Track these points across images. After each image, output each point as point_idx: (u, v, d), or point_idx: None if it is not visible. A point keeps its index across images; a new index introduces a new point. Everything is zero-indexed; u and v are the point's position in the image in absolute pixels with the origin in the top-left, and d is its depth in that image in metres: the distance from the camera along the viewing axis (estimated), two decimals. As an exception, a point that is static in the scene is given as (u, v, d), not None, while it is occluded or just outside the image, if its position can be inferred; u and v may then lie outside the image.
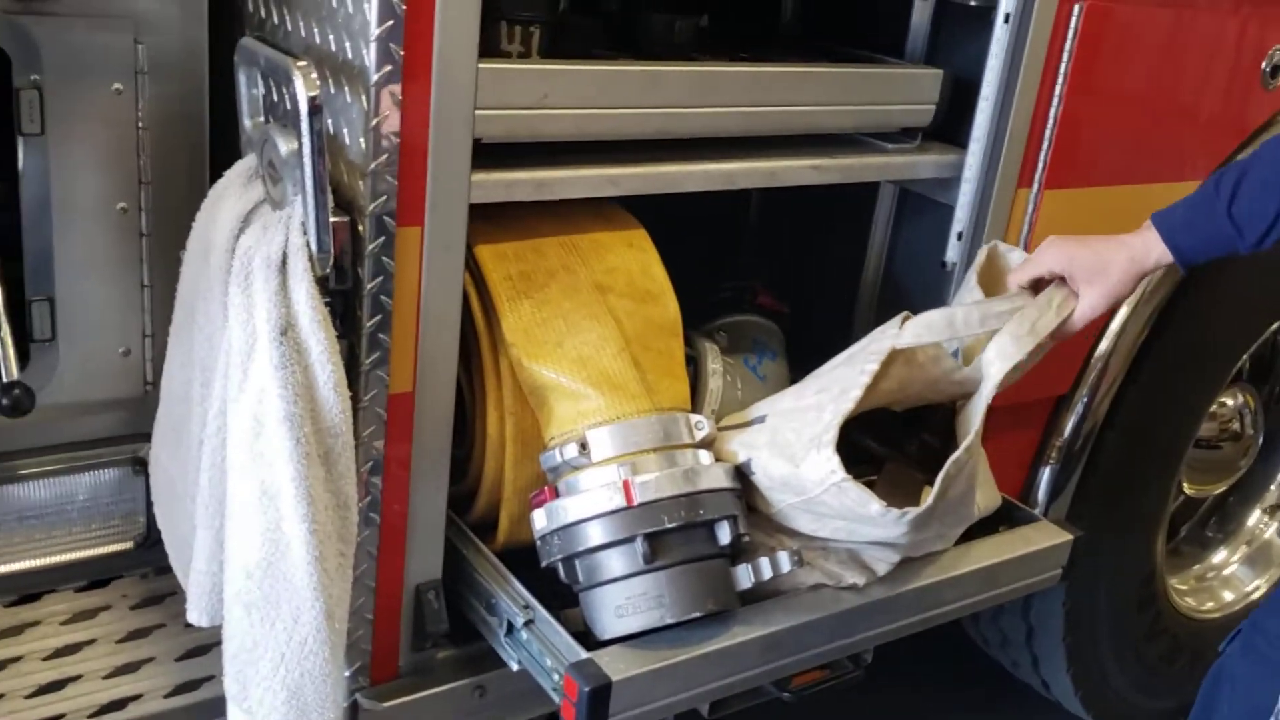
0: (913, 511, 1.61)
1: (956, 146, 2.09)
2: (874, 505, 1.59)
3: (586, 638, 1.61)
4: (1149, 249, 1.71)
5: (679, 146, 1.83)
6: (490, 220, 1.71)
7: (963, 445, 1.65)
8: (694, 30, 2.04)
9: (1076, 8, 2.00)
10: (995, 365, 1.73)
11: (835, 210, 2.33)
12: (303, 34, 1.60)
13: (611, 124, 1.74)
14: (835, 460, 1.58)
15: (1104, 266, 1.72)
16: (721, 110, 1.82)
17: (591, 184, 1.74)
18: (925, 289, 2.17)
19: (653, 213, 1.92)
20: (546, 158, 1.70)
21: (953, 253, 2.10)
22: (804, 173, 1.92)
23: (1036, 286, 1.80)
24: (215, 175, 1.72)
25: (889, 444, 2.02)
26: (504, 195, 1.65)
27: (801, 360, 2.10)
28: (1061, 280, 1.77)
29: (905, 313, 1.79)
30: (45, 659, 1.77)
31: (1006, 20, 1.97)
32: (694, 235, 2.14)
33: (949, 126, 2.08)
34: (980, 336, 1.85)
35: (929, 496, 1.63)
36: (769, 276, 2.46)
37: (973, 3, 2.01)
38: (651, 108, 1.76)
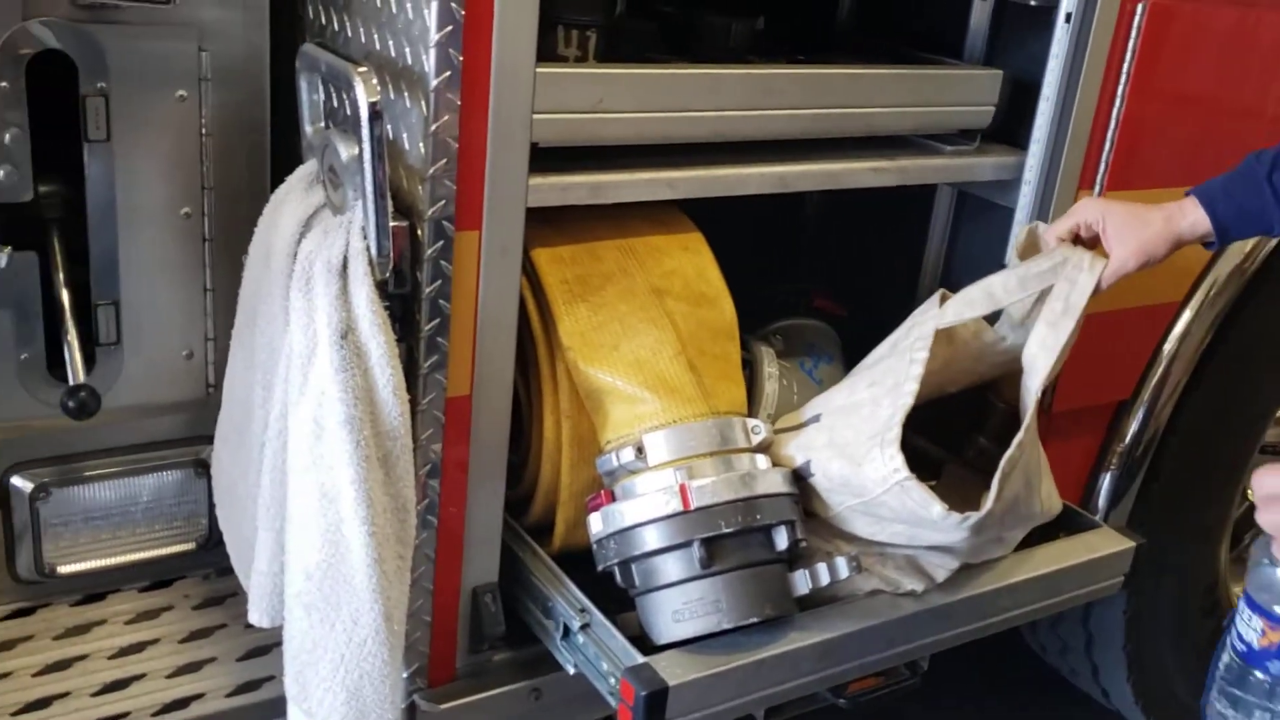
0: (974, 515, 1.59)
1: (1016, 148, 2.06)
2: (936, 508, 1.57)
3: (642, 642, 1.61)
4: (1185, 212, 1.70)
5: (734, 149, 1.82)
6: (547, 224, 1.72)
7: (1015, 441, 1.63)
8: (750, 32, 2.04)
9: (1140, 6, 1.96)
10: (1040, 359, 1.70)
11: (891, 213, 2.31)
12: (362, 40, 1.62)
13: (668, 127, 1.74)
14: (899, 459, 1.57)
15: (1139, 222, 1.70)
16: (779, 113, 1.82)
17: (648, 187, 1.74)
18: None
19: (707, 215, 1.92)
20: (602, 161, 1.70)
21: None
22: (863, 175, 1.91)
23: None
24: (276, 181, 1.75)
25: (947, 447, 2.00)
26: (560, 199, 1.66)
27: (857, 364, 2.09)
28: (1095, 241, 1.74)
29: (942, 290, 1.77)
30: (110, 657, 1.80)
31: (1068, 20, 1.94)
32: (749, 238, 2.14)
33: (1008, 128, 2.06)
34: (1026, 304, 1.83)
35: (987, 499, 1.61)
36: (824, 279, 2.44)
37: (1033, 2, 1.98)
38: (708, 111, 1.75)
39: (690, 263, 1.84)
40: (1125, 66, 1.99)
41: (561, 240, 1.79)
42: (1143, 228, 1.69)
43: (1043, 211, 2.04)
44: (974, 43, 2.14)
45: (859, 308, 2.31)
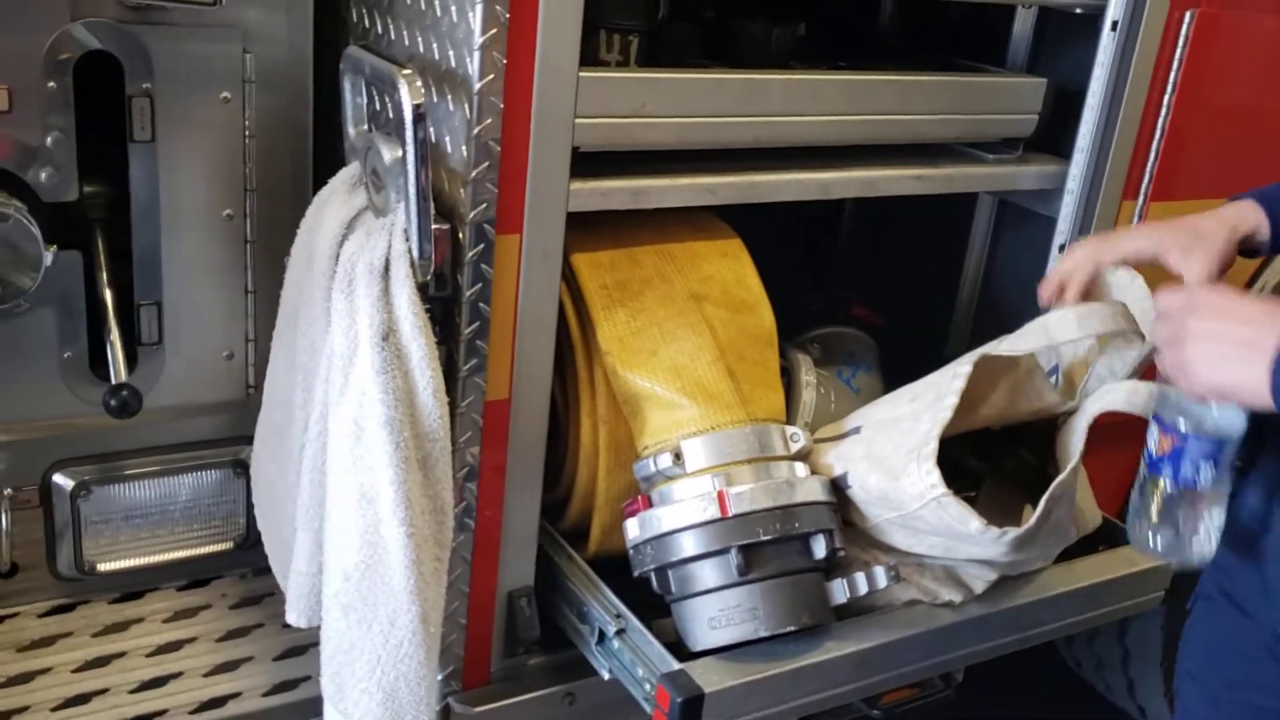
0: (1013, 531, 1.58)
1: (1059, 157, 2.05)
2: (974, 523, 1.56)
3: (678, 648, 1.60)
4: (1243, 212, 1.56)
5: (774, 155, 1.82)
6: (586, 228, 1.72)
7: (1067, 468, 1.61)
8: (792, 38, 2.03)
9: (1187, 15, 1.95)
10: (1097, 405, 1.69)
11: (930, 221, 2.30)
12: (406, 43, 1.62)
13: (710, 133, 1.74)
14: (935, 474, 1.55)
15: (1197, 232, 1.55)
16: (822, 119, 1.81)
17: (688, 193, 1.74)
18: (1025, 302, 2.11)
19: (742, 221, 1.91)
20: (642, 166, 1.70)
21: (1054, 265, 2.06)
22: (905, 183, 1.90)
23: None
24: (317, 184, 1.76)
25: (986, 460, 1.98)
26: (600, 204, 1.65)
27: (895, 373, 2.08)
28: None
29: (1004, 336, 1.76)
30: (148, 655, 1.81)
31: (1114, 28, 1.93)
32: (785, 245, 2.13)
33: (1051, 136, 2.04)
34: (1080, 355, 1.81)
35: (1031, 518, 1.59)
36: (861, 288, 2.43)
37: (1078, 10, 1.97)
38: (751, 116, 1.75)
39: (729, 269, 1.83)
40: (1171, 75, 1.97)
41: (600, 245, 1.78)
42: (1205, 237, 1.55)
43: (1085, 221, 2.02)
44: (1017, 50, 2.13)
45: (896, 317, 2.30)
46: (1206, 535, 1.43)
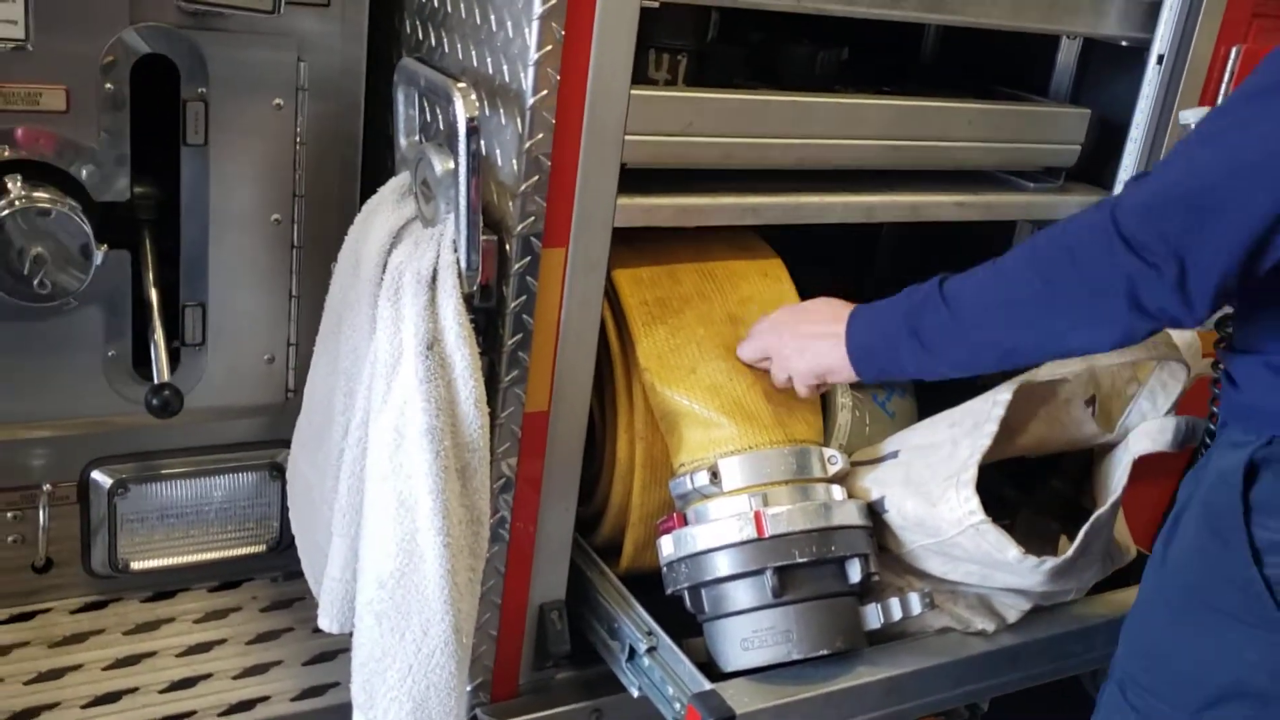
0: (1051, 561, 1.57)
1: (1099, 187, 2.05)
2: (1012, 551, 1.55)
3: (708, 668, 1.60)
4: None
5: (814, 177, 1.82)
6: (627, 244, 1.72)
7: (1108, 501, 1.61)
8: (836, 62, 2.04)
9: (1234, 50, 1.94)
10: (1141, 443, 1.69)
11: (965, 247, 2.28)
12: (459, 56, 1.64)
13: (755, 153, 1.74)
14: (974, 501, 1.55)
15: None
16: (866, 142, 1.81)
17: (732, 212, 1.74)
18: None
19: (776, 240, 1.91)
20: (684, 184, 1.71)
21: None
22: (946, 209, 1.90)
23: None
24: (364, 192, 1.77)
25: (1019, 488, 1.97)
26: (644, 220, 1.66)
27: (928, 399, 2.07)
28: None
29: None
30: (178, 655, 1.82)
31: (1159, 61, 1.92)
32: (819, 267, 2.12)
33: (1092, 167, 2.04)
34: (1118, 387, 1.81)
35: (1070, 548, 1.58)
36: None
37: (1124, 43, 1.97)
38: (797, 138, 1.76)
39: (769, 289, 1.84)
40: (1217, 110, 1.97)
41: (641, 262, 1.79)
42: None
43: (1126, 253, 2.01)
44: (1060, 80, 2.13)
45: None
46: None
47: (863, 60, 2.19)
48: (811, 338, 1.64)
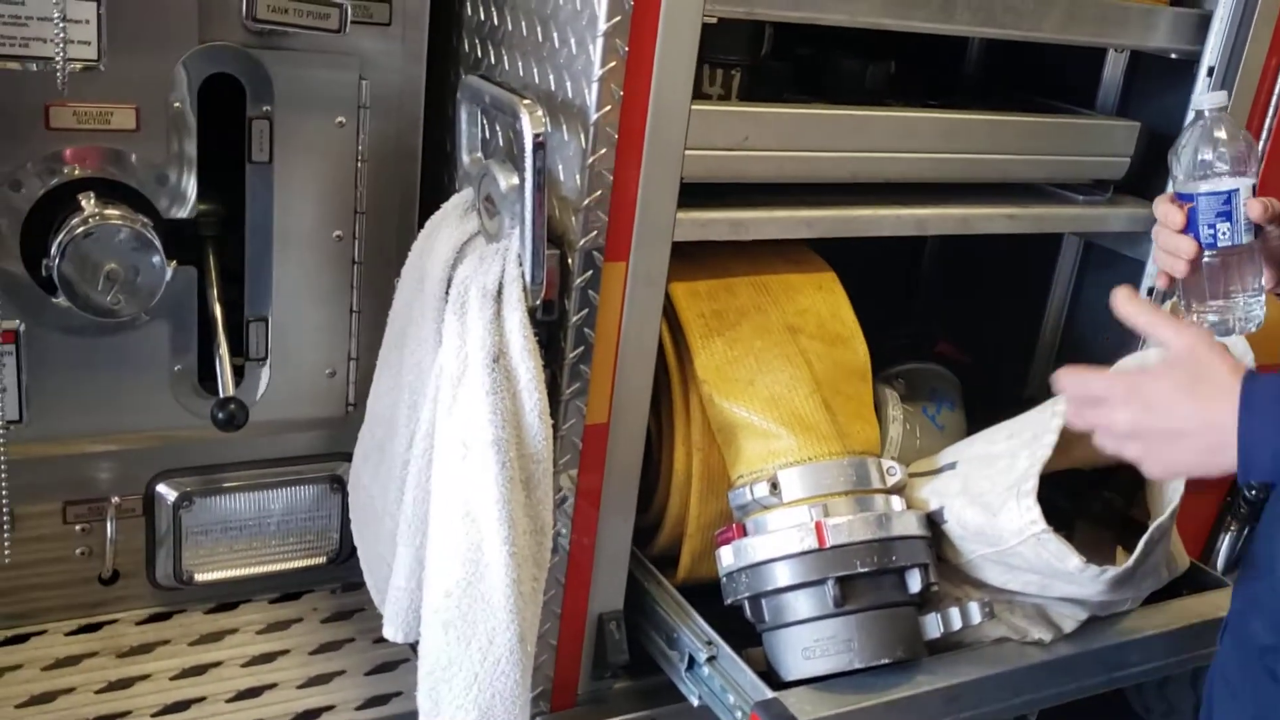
0: (1112, 570, 1.58)
1: (1147, 200, 2.05)
2: (1073, 560, 1.56)
3: (767, 677, 1.61)
4: None
5: (864, 190, 1.83)
6: (683, 258, 1.74)
7: (1167, 510, 1.61)
8: (885, 76, 2.06)
9: (1284, 62, 1.95)
10: None
11: (1013, 260, 2.31)
12: (520, 73, 1.66)
13: (809, 167, 1.76)
14: (1036, 510, 1.56)
15: None
16: (918, 156, 1.83)
17: (786, 225, 1.76)
18: (1109, 344, 2.13)
19: (826, 253, 1.93)
20: (738, 197, 1.72)
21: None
22: (997, 221, 1.91)
23: None
24: (423, 208, 1.80)
25: (1073, 500, 1.98)
26: (701, 234, 1.68)
27: (975, 412, 2.08)
28: None
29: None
30: (243, 665, 1.84)
31: (1210, 74, 1.93)
32: (866, 280, 2.14)
33: (1141, 180, 2.05)
34: None
35: (1129, 558, 1.59)
36: (941, 325, 2.44)
37: (1173, 55, 1.98)
38: (850, 152, 1.77)
39: (824, 301, 1.85)
40: (1267, 122, 1.98)
41: (698, 275, 1.81)
42: None
43: (1175, 265, 2.02)
44: (1107, 93, 2.14)
45: (976, 355, 2.30)
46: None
47: (908, 73, 2.21)
48: (1189, 445, 1.26)
